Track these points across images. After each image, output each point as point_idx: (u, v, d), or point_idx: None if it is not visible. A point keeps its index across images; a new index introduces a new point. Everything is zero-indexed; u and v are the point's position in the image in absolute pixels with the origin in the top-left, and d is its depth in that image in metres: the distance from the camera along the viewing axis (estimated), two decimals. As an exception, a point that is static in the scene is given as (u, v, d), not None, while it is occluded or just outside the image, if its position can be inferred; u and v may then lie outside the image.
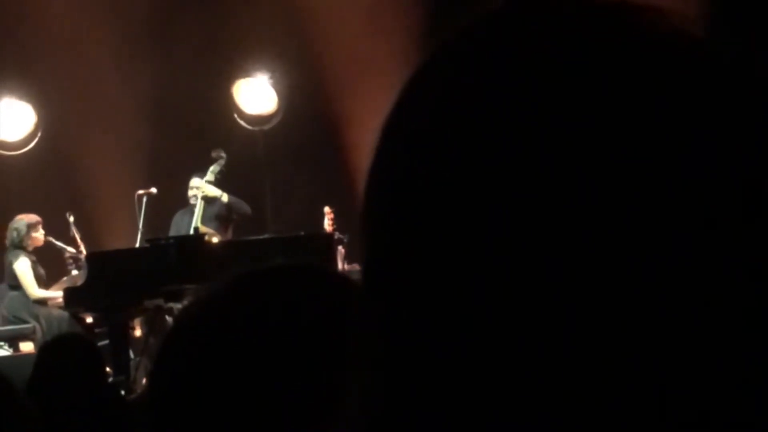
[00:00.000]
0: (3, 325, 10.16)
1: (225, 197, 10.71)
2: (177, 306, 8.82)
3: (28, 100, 12.49)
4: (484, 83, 0.63)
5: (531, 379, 0.60)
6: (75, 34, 11.83)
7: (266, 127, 12.90)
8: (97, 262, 9.47)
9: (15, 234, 10.26)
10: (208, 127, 12.21)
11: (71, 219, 11.00)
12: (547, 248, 0.60)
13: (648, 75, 0.62)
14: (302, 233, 9.92)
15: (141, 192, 10.96)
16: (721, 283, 0.59)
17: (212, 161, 10.87)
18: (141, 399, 5.40)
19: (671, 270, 0.59)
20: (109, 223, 11.72)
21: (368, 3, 11.85)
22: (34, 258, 10.29)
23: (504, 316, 0.60)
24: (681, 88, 0.62)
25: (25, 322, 10.04)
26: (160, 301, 9.24)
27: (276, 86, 12.77)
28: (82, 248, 10.74)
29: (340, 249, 10.40)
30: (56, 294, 10.09)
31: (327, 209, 10.89)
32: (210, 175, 10.80)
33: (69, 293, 9.53)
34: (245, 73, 12.77)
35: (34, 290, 10.12)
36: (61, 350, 4.70)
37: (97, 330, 9.52)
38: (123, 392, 8.13)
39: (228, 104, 12.81)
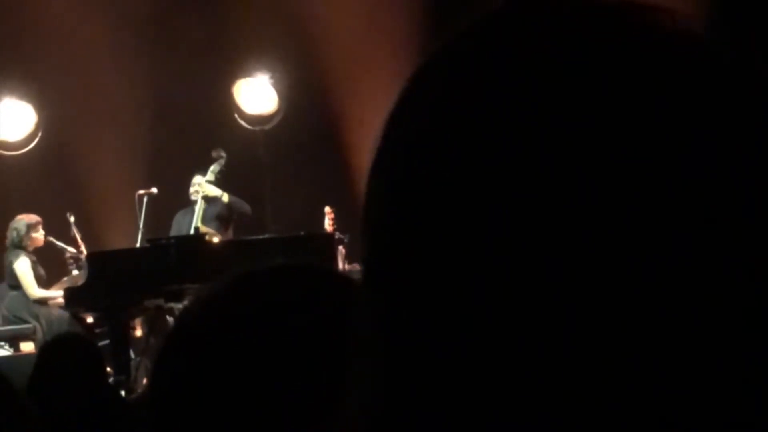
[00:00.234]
0: (3, 324, 10.17)
1: (225, 197, 10.71)
2: (177, 306, 8.82)
3: (29, 100, 12.49)
4: (485, 83, 0.63)
5: (531, 379, 0.60)
6: (76, 34, 11.83)
7: (267, 127, 12.91)
8: (97, 262, 9.47)
9: (15, 234, 10.26)
10: (209, 127, 12.21)
11: (72, 219, 11.01)
12: (547, 248, 0.60)
13: (648, 75, 0.62)
14: (303, 233, 9.93)
15: (141, 192, 10.96)
16: (721, 283, 0.59)
17: (212, 161, 10.88)
18: (141, 399, 5.40)
19: (671, 270, 0.59)
20: (110, 223, 11.72)
21: (369, 3, 11.86)
22: (34, 258, 10.29)
23: (504, 316, 0.60)
24: (681, 88, 0.62)
25: (26, 322, 10.04)
26: (160, 301, 9.24)
27: (276, 86, 12.78)
28: (83, 248, 10.75)
29: (341, 249, 10.40)
30: (56, 294, 10.10)
31: (327, 209, 10.90)
32: (210, 175, 10.80)
33: (69, 293, 9.53)
34: (246, 72, 12.77)
35: (34, 290, 10.12)
36: (62, 350, 4.70)
37: (97, 330, 9.53)
38: (123, 392, 8.15)
39: (228, 104, 12.82)
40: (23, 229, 10.25)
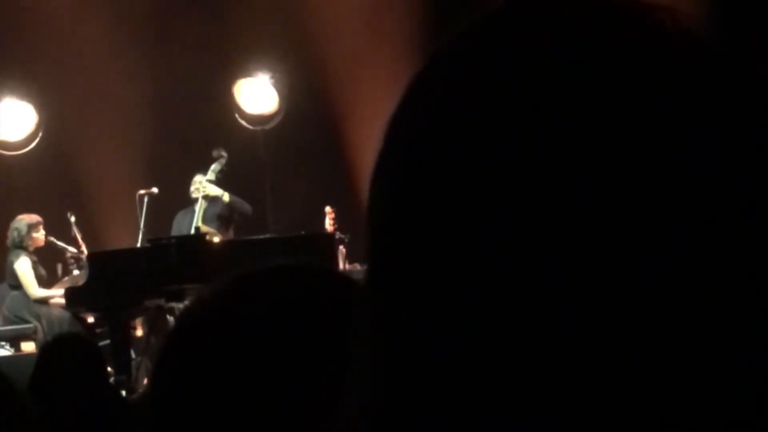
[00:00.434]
0: (4, 324, 10.17)
1: (226, 197, 10.71)
2: (178, 306, 8.82)
3: (30, 101, 12.49)
4: (486, 84, 0.63)
5: (531, 379, 0.60)
6: (76, 34, 11.83)
7: (267, 126, 12.90)
8: (98, 262, 9.47)
9: (16, 234, 10.26)
10: (209, 127, 12.21)
11: (72, 219, 11.01)
12: (547, 248, 0.60)
13: (648, 75, 0.62)
14: (303, 233, 9.92)
15: (142, 192, 10.96)
16: (721, 283, 0.59)
17: (213, 160, 10.88)
18: (142, 399, 5.40)
19: (671, 270, 0.59)
20: (111, 223, 11.72)
21: (369, 3, 11.85)
22: (35, 258, 10.29)
23: (504, 317, 0.60)
24: (681, 88, 0.62)
25: (27, 321, 10.04)
26: (161, 301, 9.24)
27: (277, 86, 12.77)
28: (84, 248, 10.75)
29: (341, 249, 10.40)
30: (57, 294, 10.10)
31: (328, 209, 10.90)
32: (211, 174, 10.81)
33: (70, 293, 9.53)
34: (246, 72, 12.77)
35: (34, 290, 10.12)
36: (63, 350, 4.70)
37: (98, 330, 9.53)
38: (124, 392, 8.14)
39: (229, 104, 12.81)
40: (24, 229, 10.25)
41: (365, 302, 0.67)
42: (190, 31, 11.94)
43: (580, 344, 0.59)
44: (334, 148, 12.14)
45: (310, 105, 12.50)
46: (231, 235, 10.71)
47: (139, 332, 10.26)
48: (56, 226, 10.78)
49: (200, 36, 12.04)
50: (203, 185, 10.71)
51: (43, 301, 10.14)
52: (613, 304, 0.59)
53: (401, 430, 0.64)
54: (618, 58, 0.62)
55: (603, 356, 0.59)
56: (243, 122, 12.88)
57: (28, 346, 9.92)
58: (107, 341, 8.91)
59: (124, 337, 9.23)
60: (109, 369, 6.82)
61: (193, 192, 10.78)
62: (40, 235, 10.37)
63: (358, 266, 9.96)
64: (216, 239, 10.02)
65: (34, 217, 10.40)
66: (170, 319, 9.31)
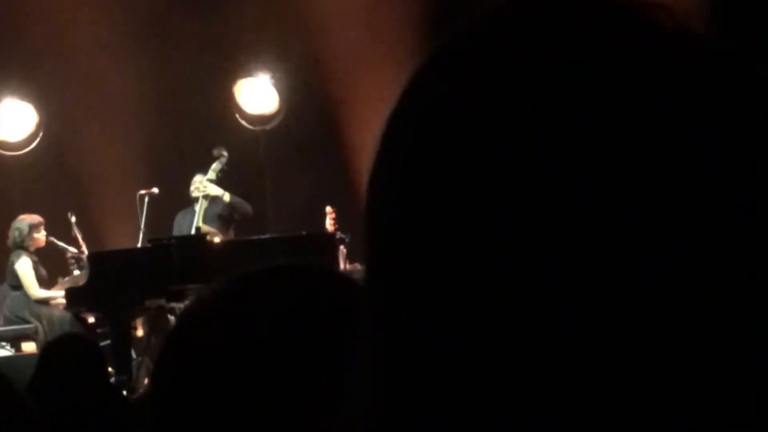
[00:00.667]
0: (5, 325, 10.17)
1: (227, 197, 10.71)
2: (179, 306, 8.82)
3: (30, 101, 12.49)
4: (485, 83, 0.63)
5: (531, 379, 0.60)
6: (76, 34, 11.83)
7: (268, 126, 12.90)
8: (98, 262, 9.48)
9: (17, 234, 10.26)
10: (210, 127, 12.21)
11: (73, 219, 11.01)
12: (547, 248, 0.60)
13: (648, 74, 0.62)
14: (304, 233, 9.92)
15: (143, 192, 10.96)
16: (721, 283, 0.59)
17: (213, 159, 10.88)
18: (143, 399, 5.40)
19: (671, 270, 0.59)
20: (111, 223, 11.72)
21: (369, 3, 11.85)
22: (35, 258, 10.29)
23: (504, 316, 0.60)
24: (681, 88, 0.62)
25: (27, 322, 10.04)
26: (161, 301, 9.24)
27: (277, 86, 12.77)
28: (84, 248, 10.75)
29: (342, 249, 10.39)
30: (58, 294, 10.10)
31: (328, 209, 10.89)
32: (212, 174, 10.81)
33: (71, 293, 9.53)
34: (247, 72, 12.77)
35: (35, 290, 10.12)
36: (64, 350, 4.70)
37: (99, 330, 9.53)
38: (125, 392, 8.14)
39: (229, 104, 12.81)
40: (26, 230, 10.25)
41: (365, 302, 0.67)
42: (190, 31, 11.94)
43: (580, 344, 0.59)
44: (334, 148, 12.14)
45: (310, 105, 12.49)
46: (231, 235, 10.71)
47: (140, 332, 10.26)
48: (56, 227, 10.78)
49: (200, 36, 12.04)
50: (204, 185, 10.71)
51: (44, 302, 10.14)
52: (613, 304, 0.59)
53: (401, 430, 0.64)
54: (617, 58, 0.62)
55: (603, 356, 0.59)
56: (243, 122, 12.88)
57: (29, 347, 9.92)
58: (108, 341, 8.91)
59: (125, 338, 9.23)
60: (109, 369, 6.83)
61: (193, 192, 10.78)
62: (41, 236, 10.37)
63: (358, 266, 9.95)
64: (216, 239, 10.02)
65: (36, 218, 10.40)
66: (171, 319, 9.31)
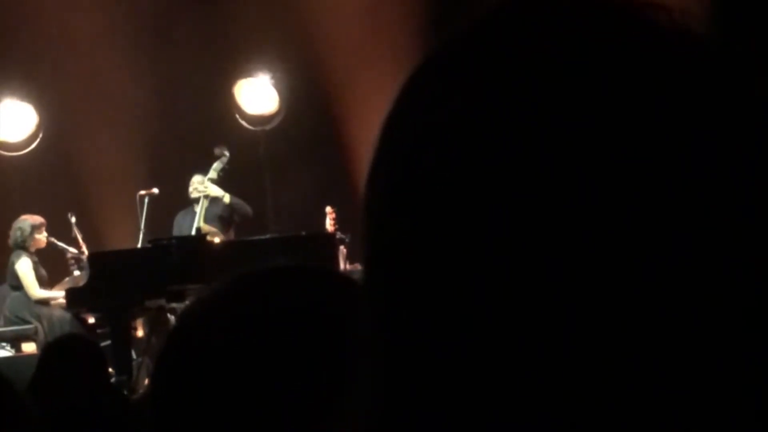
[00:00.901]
0: (5, 325, 10.16)
1: (227, 198, 10.71)
2: (179, 306, 8.82)
3: (30, 101, 12.49)
4: (484, 82, 0.63)
5: (531, 379, 0.60)
6: (76, 34, 11.83)
7: (268, 127, 12.90)
8: (98, 262, 9.47)
9: (18, 234, 10.26)
10: (210, 127, 12.21)
11: (73, 219, 11.01)
12: (547, 248, 0.60)
13: (649, 74, 0.62)
14: (304, 233, 9.92)
15: (143, 192, 10.96)
16: (721, 283, 0.59)
17: (214, 159, 10.88)
18: (143, 399, 5.40)
19: (671, 270, 0.59)
20: (111, 224, 11.72)
21: (369, 3, 11.85)
22: (36, 258, 10.29)
23: (504, 316, 0.60)
24: (681, 88, 0.62)
25: (28, 322, 10.04)
26: (161, 301, 9.24)
27: (277, 86, 12.77)
28: (84, 249, 10.75)
29: (342, 249, 10.40)
30: (58, 294, 10.10)
31: (329, 209, 10.89)
32: (213, 173, 10.81)
33: (71, 294, 9.53)
34: (247, 73, 12.77)
35: (35, 291, 10.12)
36: (64, 351, 4.70)
37: (99, 330, 9.53)
38: (125, 392, 8.14)
39: (229, 104, 12.81)
40: (27, 230, 10.26)
41: (364, 302, 0.67)
42: (190, 31, 11.94)
43: (580, 344, 0.59)
44: (334, 148, 12.14)
45: (310, 105, 12.49)
46: (231, 235, 10.71)
47: (140, 333, 10.26)
48: (57, 227, 10.78)
49: (200, 36, 12.05)
50: (205, 185, 10.71)
51: (44, 302, 10.13)
52: (613, 304, 0.59)
53: (401, 430, 0.64)
54: (617, 58, 0.62)
55: (603, 356, 0.59)
56: (243, 122, 12.88)
57: (29, 347, 9.92)
58: (108, 342, 8.91)
59: (125, 338, 9.23)
60: (110, 369, 6.83)
61: (191, 192, 10.78)
62: (42, 237, 10.37)
63: (358, 266, 9.95)
64: (217, 239, 10.01)
65: (38, 219, 10.40)
66: (171, 319, 9.31)
